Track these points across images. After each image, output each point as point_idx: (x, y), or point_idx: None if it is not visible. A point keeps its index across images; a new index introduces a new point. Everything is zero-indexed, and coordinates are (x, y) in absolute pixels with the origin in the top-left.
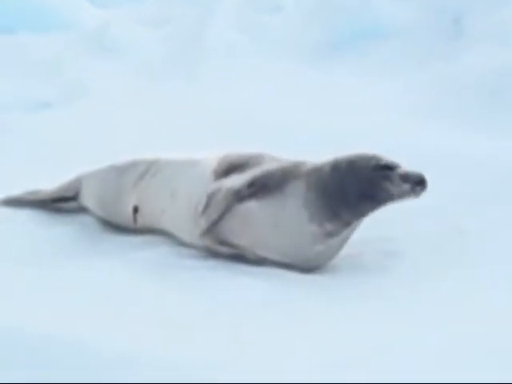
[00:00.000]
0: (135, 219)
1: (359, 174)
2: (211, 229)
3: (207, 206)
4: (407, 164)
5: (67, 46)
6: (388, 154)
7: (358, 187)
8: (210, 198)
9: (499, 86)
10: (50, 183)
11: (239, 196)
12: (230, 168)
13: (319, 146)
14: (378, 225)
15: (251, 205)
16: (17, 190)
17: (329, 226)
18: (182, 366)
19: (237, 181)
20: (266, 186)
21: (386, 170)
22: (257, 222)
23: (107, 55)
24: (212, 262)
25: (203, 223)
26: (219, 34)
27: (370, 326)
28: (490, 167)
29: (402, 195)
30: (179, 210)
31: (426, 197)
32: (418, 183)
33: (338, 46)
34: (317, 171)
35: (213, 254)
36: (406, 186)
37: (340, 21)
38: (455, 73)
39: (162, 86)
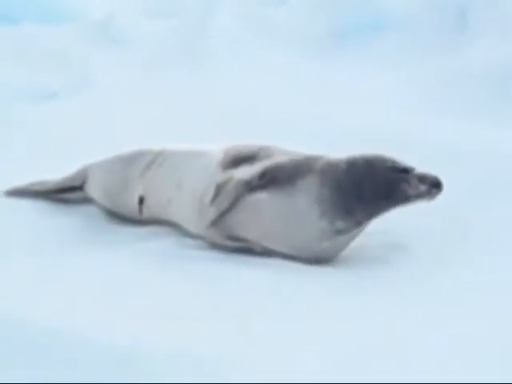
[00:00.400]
0: (141, 210)
1: (376, 174)
2: (219, 220)
3: (216, 196)
4: (411, 156)
5: (73, 36)
6: (391, 146)
7: (373, 187)
8: (220, 188)
9: (503, 79)
10: (55, 174)
11: (250, 186)
12: (236, 159)
13: (323, 138)
14: (381, 218)
15: (261, 196)
16: (22, 181)
17: (340, 224)
18: (188, 359)
19: (247, 171)
20: (278, 178)
21: (403, 172)
22: (266, 213)
23: (113, 46)
24: (218, 253)
25: (212, 213)
26: (224, 27)
27: (375, 320)
28: (493, 160)
29: (418, 196)
30: (185, 201)
31: None
32: (434, 185)
33: (342, 39)
34: (332, 167)
35: (219, 246)
36: (423, 188)
37: (344, 13)
38: (459, 65)
39: (168, 78)
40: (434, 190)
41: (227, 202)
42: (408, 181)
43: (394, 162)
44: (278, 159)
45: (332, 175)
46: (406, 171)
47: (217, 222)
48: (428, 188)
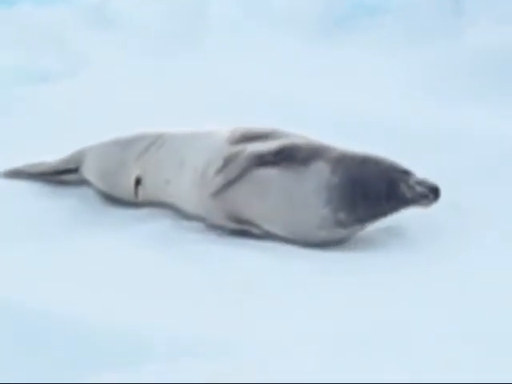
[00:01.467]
0: (137, 192)
1: (380, 174)
2: (224, 190)
3: (224, 167)
4: (408, 141)
5: (69, 18)
6: (389, 132)
7: (377, 186)
8: (228, 160)
9: (500, 64)
10: (52, 156)
11: (262, 160)
12: (245, 137)
13: (321, 123)
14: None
15: (271, 172)
16: (19, 163)
17: (341, 216)
18: (187, 340)
19: (263, 146)
20: (292, 158)
21: (403, 173)
22: (272, 190)
23: (109, 28)
24: (216, 236)
25: (218, 181)
26: (223, 10)
27: (374, 305)
28: (490, 144)
29: (415, 200)
30: (185, 179)
31: (426, 174)
32: (432, 190)
33: (340, 24)
34: (346, 159)
35: (217, 227)
36: (421, 191)
37: None
38: (456, 50)
39: (165, 61)
40: (431, 196)
41: (236, 171)
42: (407, 182)
43: (395, 163)
44: (296, 140)
45: (344, 167)
46: (406, 173)
47: (221, 192)
48: (425, 192)
